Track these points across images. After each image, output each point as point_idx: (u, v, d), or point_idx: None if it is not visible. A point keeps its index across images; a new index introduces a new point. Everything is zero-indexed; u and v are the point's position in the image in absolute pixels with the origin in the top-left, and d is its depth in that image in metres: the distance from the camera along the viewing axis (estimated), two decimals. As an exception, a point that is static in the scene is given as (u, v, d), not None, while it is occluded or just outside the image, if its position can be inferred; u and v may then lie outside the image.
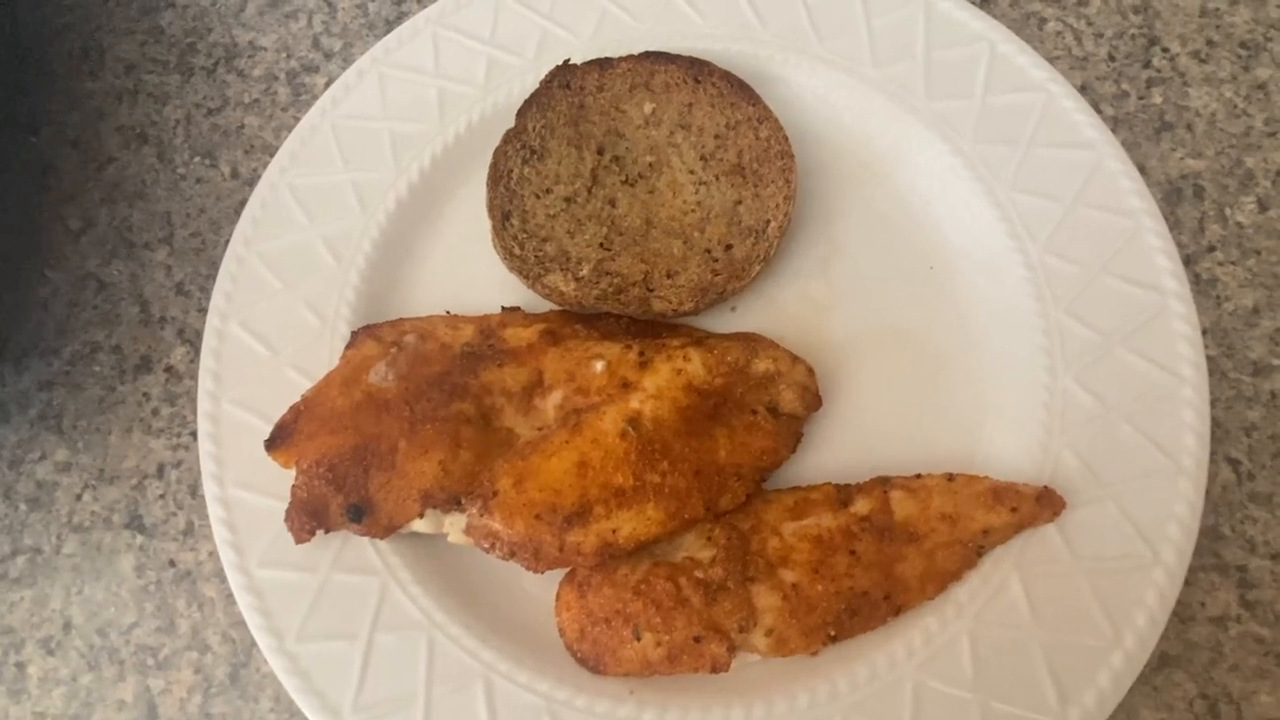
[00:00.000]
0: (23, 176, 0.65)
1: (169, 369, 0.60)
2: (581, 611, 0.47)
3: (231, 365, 0.53)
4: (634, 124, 0.57)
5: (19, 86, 0.65)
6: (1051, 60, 0.61)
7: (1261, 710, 0.50)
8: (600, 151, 0.57)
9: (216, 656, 0.54)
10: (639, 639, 0.46)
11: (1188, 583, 0.52)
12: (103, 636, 0.55)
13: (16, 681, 0.54)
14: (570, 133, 0.57)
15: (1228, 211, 0.60)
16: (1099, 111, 0.60)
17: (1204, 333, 0.57)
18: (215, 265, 0.60)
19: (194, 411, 0.58)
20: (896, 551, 0.47)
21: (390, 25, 0.67)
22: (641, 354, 0.51)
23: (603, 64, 0.58)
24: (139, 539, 0.56)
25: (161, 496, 0.57)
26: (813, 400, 0.52)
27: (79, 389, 0.60)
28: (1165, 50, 0.64)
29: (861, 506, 0.48)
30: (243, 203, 0.60)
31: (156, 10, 0.70)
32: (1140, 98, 0.63)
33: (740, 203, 0.55)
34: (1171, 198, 0.60)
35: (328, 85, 0.63)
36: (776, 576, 0.47)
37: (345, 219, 0.56)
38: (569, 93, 0.57)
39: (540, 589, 0.50)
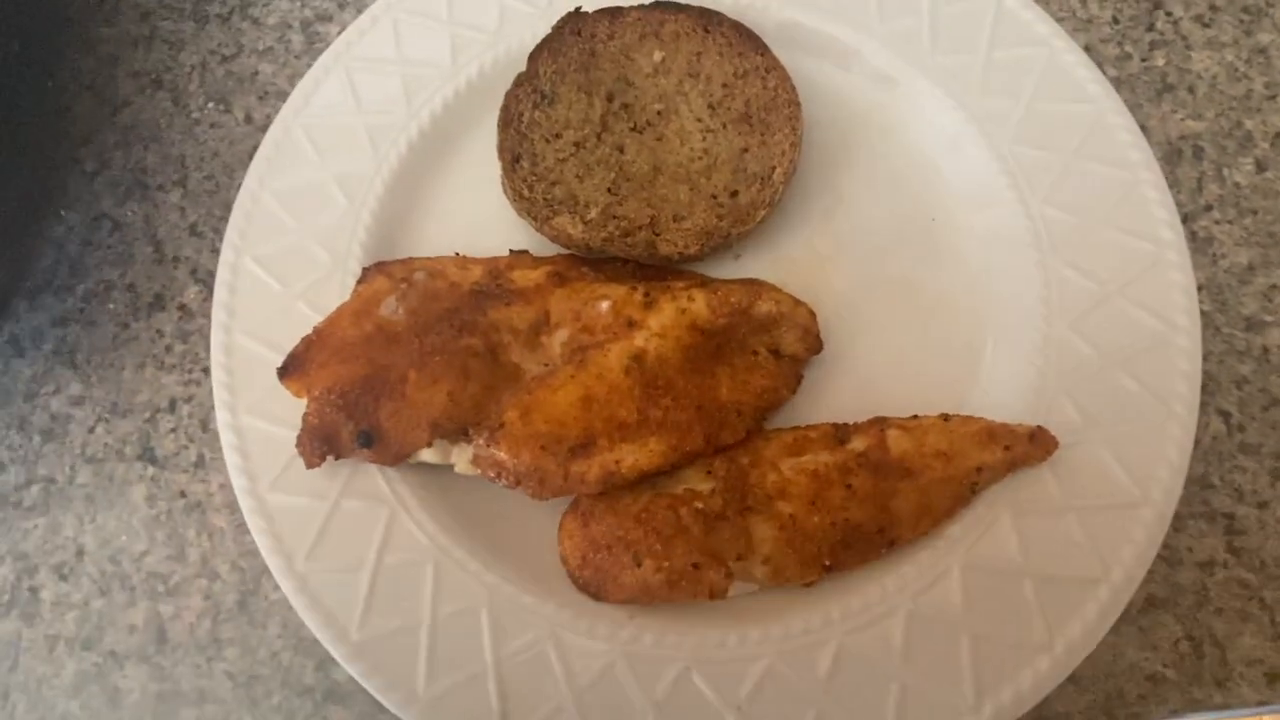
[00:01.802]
0: (39, 119, 0.66)
1: (182, 307, 0.61)
2: (584, 539, 0.48)
3: (245, 299, 0.54)
4: (643, 72, 0.58)
5: (34, 32, 0.66)
6: (1057, 22, 0.62)
7: (1245, 652, 0.51)
8: (610, 98, 0.58)
9: (225, 584, 0.55)
10: (639, 565, 0.47)
11: (1176, 529, 0.53)
12: (114, 563, 0.56)
13: (30, 605, 0.55)
14: (581, 79, 0.58)
15: (1226, 172, 0.61)
16: (1103, 72, 0.61)
17: (1199, 289, 0.58)
18: (228, 207, 0.61)
19: (206, 349, 0.59)
20: (891, 487, 0.48)
21: (403, -23, 0.68)
22: (646, 294, 0.52)
23: (613, 12, 0.59)
24: (150, 470, 0.58)
25: (173, 430, 0.58)
26: (814, 343, 0.53)
27: (93, 325, 0.61)
28: (1169, 14, 0.65)
29: (858, 444, 0.49)
30: (256, 147, 0.61)
31: (172, -42, 0.70)
32: (1143, 60, 0.64)
33: (747, 150, 0.56)
34: (1171, 158, 0.61)
35: (342, 33, 0.64)
36: (774, 508, 0.48)
37: (358, 160, 0.57)
38: (580, 40, 0.58)
39: (543, 521, 0.51)
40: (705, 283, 0.54)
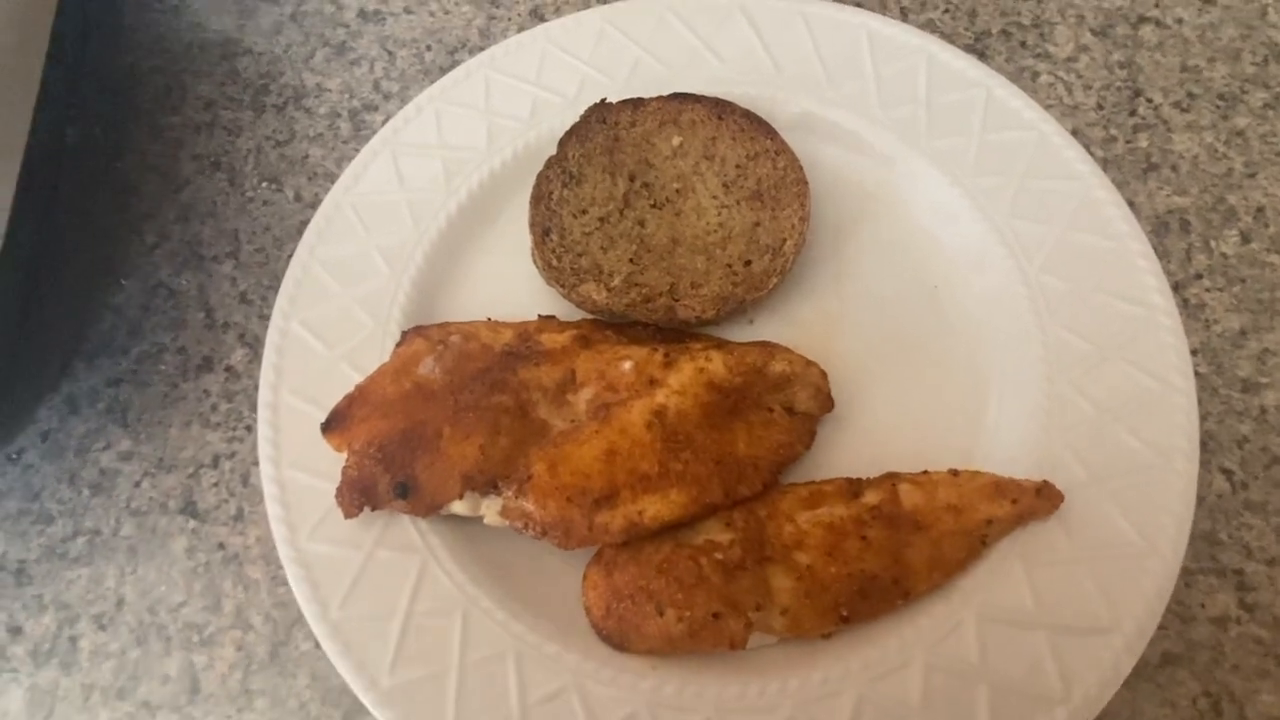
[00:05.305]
0: (105, 197, 0.72)
1: (229, 369, 0.65)
2: (608, 589, 0.50)
3: (291, 360, 0.58)
4: (663, 155, 0.63)
5: (109, 119, 0.73)
6: (1045, 108, 0.67)
7: (1263, 708, 0.51)
8: (632, 178, 0.63)
9: (258, 635, 0.57)
10: (661, 614, 0.49)
11: (1188, 585, 0.54)
12: (152, 614, 0.58)
13: (69, 654, 0.57)
14: (605, 161, 0.63)
15: (1213, 243, 0.65)
16: (1090, 153, 0.66)
17: (1195, 352, 0.61)
18: (277, 277, 0.66)
19: (250, 408, 0.63)
20: (904, 539, 0.50)
21: (444, 72, 0.75)
22: (667, 355, 0.56)
23: (635, 103, 0.64)
24: (191, 523, 0.60)
25: (215, 485, 0.61)
26: (825, 401, 0.56)
27: (145, 385, 0.65)
28: (1149, 100, 0.70)
29: (871, 497, 0.51)
30: (304, 222, 0.66)
31: (234, 55, 0.78)
32: (1128, 141, 0.69)
33: (759, 224, 0.61)
34: (1160, 230, 0.65)
35: (386, 121, 0.70)
36: (791, 559, 0.50)
37: (400, 233, 0.62)
38: (605, 127, 0.64)
39: (568, 572, 0.53)
40: (722, 344, 0.58)
